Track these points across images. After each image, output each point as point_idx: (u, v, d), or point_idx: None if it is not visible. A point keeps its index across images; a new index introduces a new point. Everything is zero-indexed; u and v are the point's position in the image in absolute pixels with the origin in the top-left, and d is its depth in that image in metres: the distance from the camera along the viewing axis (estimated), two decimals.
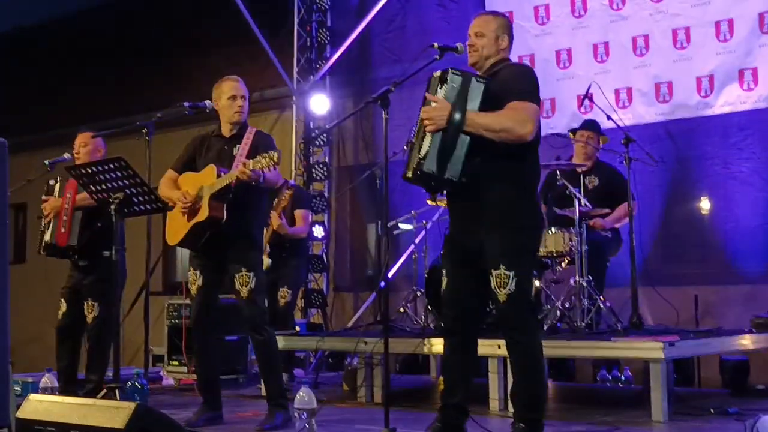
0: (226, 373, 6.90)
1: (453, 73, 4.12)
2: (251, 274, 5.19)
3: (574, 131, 6.93)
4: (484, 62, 4.37)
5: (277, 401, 5.21)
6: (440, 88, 4.15)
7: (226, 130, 5.39)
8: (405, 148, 4.29)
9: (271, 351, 5.31)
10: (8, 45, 17.05)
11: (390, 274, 5.95)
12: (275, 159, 4.87)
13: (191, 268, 5.37)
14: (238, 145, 5.27)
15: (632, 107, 8.14)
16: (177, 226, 5.25)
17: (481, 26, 4.39)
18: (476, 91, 4.13)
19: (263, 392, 5.45)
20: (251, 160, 4.97)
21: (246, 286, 5.18)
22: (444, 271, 4.45)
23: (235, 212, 5.15)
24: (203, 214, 5.10)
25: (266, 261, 7.15)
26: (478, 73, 4.33)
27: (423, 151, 4.12)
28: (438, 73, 4.19)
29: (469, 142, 4.11)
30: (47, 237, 6.29)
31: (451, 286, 4.40)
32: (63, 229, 6.18)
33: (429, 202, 6.54)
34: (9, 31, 17.42)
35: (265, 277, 5.65)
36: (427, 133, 4.12)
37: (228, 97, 5.32)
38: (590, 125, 6.92)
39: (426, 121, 4.10)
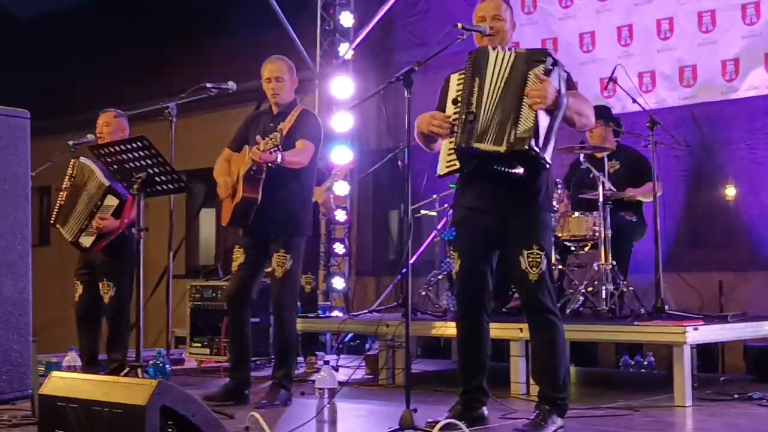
0: None
1: (553, 61, 4.05)
2: (288, 256, 5.25)
3: None
4: (505, 46, 4.31)
5: (281, 381, 5.28)
6: (541, 70, 4.02)
7: (274, 108, 5.44)
8: (462, 117, 4.13)
9: (290, 333, 5.36)
10: (35, 29, 17.10)
11: (412, 259, 5.93)
12: (277, 140, 4.89)
13: (236, 246, 5.40)
14: (282, 123, 5.28)
15: (656, 91, 8.05)
16: (226, 208, 5.33)
17: (497, 9, 4.36)
18: (563, 80, 4.13)
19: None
20: (262, 142, 4.98)
21: (281, 267, 5.24)
22: (456, 254, 4.40)
23: (274, 193, 5.17)
24: (239, 195, 5.17)
25: None
26: None
27: (524, 127, 3.97)
28: (540, 60, 4.05)
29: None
30: (85, 241, 6.26)
31: (466, 268, 4.35)
32: (104, 243, 6.23)
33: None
34: (35, 16, 17.48)
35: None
36: (530, 110, 3.98)
37: (264, 79, 5.40)
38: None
39: (536, 99, 3.96)
